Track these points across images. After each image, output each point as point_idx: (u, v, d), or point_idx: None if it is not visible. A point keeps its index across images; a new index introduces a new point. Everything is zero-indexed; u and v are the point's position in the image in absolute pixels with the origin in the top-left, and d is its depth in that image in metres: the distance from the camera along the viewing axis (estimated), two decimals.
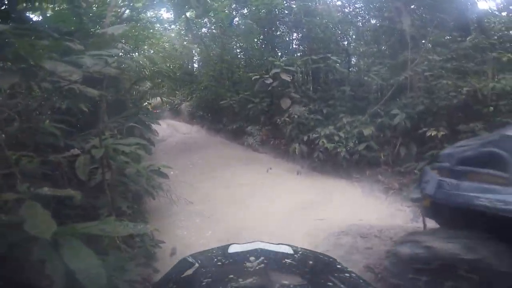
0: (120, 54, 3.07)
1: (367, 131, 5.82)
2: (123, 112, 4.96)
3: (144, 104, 6.73)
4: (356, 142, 5.95)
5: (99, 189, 3.31)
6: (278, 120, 7.05)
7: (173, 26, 10.27)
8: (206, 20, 9.90)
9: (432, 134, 5.31)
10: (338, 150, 5.95)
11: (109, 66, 1.87)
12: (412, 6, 6.60)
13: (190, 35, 10.07)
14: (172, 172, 4.96)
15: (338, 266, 0.92)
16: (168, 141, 8.62)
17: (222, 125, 9.08)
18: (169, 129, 9.89)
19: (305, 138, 6.40)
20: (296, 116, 6.44)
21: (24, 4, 1.97)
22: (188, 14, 9.23)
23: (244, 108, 8.11)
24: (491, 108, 5.16)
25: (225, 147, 8.28)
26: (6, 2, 1.85)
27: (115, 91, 5.09)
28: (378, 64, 6.54)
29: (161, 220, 4.51)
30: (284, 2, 7.99)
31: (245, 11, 8.92)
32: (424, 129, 5.46)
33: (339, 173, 6.16)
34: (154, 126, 5.71)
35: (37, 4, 2.16)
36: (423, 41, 6.34)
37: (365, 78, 6.21)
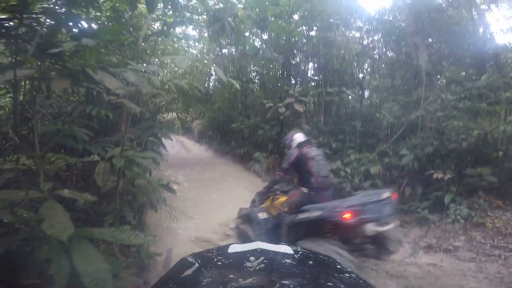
0: (155, 69, 3.23)
1: (373, 170, 5.83)
2: (139, 123, 5.12)
3: (159, 117, 6.88)
4: (362, 179, 5.94)
5: (106, 196, 3.38)
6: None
7: (197, 44, 10.56)
8: (228, 41, 10.20)
9: (439, 177, 5.28)
10: (343, 185, 5.94)
11: (149, 84, 2.00)
12: (430, 40, 6.65)
13: (211, 54, 10.44)
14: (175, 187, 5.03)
15: (338, 266, 0.91)
16: (174, 157, 8.70)
17: (230, 148, 9.15)
18: (177, 145, 10.02)
19: None
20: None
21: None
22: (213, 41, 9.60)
23: (253, 134, 8.18)
24: (501, 152, 5.09)
25: (230, 169, 8.33)
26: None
27: (135, 102, 5.27)
28: (392, 101, 6.54)
29: (159, 233, 4.51)
30: (304, 31, 8.17)
31: (265, 36, 9.15)
32: (431, 171, 5.43)
33: None
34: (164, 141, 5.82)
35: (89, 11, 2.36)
36: (438, 78, 6.33)
37: (377, 114, 6.26)
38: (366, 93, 8.21)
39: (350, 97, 6.86)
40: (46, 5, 2.04)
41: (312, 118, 7.32)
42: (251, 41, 8.14)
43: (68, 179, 3.44)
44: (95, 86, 3.31)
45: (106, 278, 1.50)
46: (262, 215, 3.51)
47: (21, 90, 2.59)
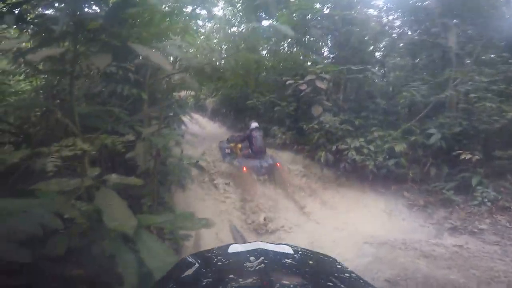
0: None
1: (398, 148, 5.70)
2: (156, 101, 5.00)
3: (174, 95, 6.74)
4: (386, 157, 5.83)
5: (143, 176, 3.33)
6: (305, 126, 6.97)
7: (207, 23, 10.25)
8: (238, 19, 9.84)
9: (466, 158, 5.19)
10: (367, 163, 5.84)
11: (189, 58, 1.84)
12: (456, 21, 6.36)
13: (221, 33, 10.07)
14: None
15: (338, 266, 0.91)
16: (188, 134, 8.63)
17: (244, 124, 9.03)
18: (191, 122, 9.91)
19: (333, 147, 6.30)
20: (327, 125, 6.35)
21: None
22: (221, 12, 9.21)
23: (269, 110, 8.04)
24: None
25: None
26: None
27: (154, 79, 5.13)
28: (417, 80, 6.35)
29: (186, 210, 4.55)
30: (323, 8, 7.86)
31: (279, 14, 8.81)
32: (459, 151, 5.32)
33: (364, 185, 6.10)
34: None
35: None
36: (468, 60, 6.15)
37: (404, 93, 6.03)
38: (388, 73, 7.92)
39: (374, 75, 6.57)
40: None
41: (332, 95, 7.09)
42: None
43: (96, 161, 3.37)
44: (125, 64, 3.14)
45: None
46: (227, 149, 6.51)
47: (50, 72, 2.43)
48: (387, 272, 3.34)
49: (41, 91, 2.84)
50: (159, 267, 1.32)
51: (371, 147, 5.95)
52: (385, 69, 7.54)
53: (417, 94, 5.80)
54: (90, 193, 1.70)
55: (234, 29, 10.52)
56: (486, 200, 4.82)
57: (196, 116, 10.88)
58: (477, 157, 5.11)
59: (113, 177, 1.87)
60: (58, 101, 2.60)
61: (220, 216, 4.61)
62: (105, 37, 1.72)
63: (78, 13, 1.79)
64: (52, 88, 2.59)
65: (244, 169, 5.68)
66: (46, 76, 2.67)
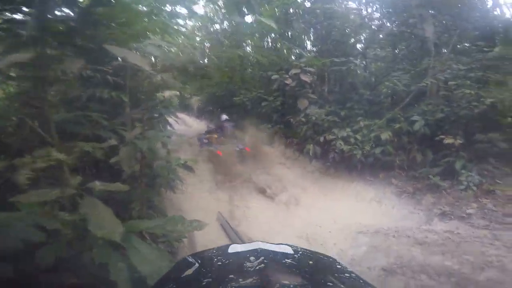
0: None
1: (384, 136, 5.81)
2: (139, 103, 4.88)
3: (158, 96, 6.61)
4: (373, 145, 5.93)
5: (124, 182, 3.24)
6: (292, 119, 7.00)
7: (188, 22, 10.10)
8: (220, 16, 9.74)
9: (449, 142, 5.33)
10: (354, 152, 5.94)
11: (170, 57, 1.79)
12: (433, 12, 6.55)
13: (203, 31, 9.95)
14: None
15: (338, 266, 0.92)
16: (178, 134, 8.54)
17: (232, 121, 9.00)
18: (178, 122, 9.78)
19: (321, 139, 6.37)
20: (313, 118, 6.40)
21: None
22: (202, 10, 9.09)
23: (257, 106, 8.04)
24: (510, 119, 5.21)
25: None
26: None
27: (135, 81, 4.99)
28: (398, 70, 6.50)
29: (178, 213, 4.50)
30: (304, 2, 7.93)
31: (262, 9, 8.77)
32: (442, 136, 5.47)
33: (352, 175, 6.19)
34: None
35: None
36: (444, 50, 6.33)
37: (386, 83, 6.15)
38: (370, 64, 8.04)
39: (356, 67, 6.66)
40: None
41: (317, 88, 7.14)
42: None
43: (80, 168, 3.26)
44: (102, 67, 3.03)
45: None
46: (205, 140, 7.17)
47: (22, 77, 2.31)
48: (383, 260, 3.41)
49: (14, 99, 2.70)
50: (152, 272, 1.32)
51: (358, 137, 6.05)
52: (367, 60, 7.63)
53: (399, 83, 5.92)
54: (74, 202, 1.64)
55: (217, 26, 10.41)
56: (471, 184, 4.94)
57: (182, 115, 10.76)
58: (459, 141, 5.25)
59: (97, 185, 1.81)
60: (34, 109, 2.48)
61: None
62: (78, 40, 1.64)
63: (49, 16, 1.71)
64: (25, 95, 2.47)
65: (219, 153, 6.41)
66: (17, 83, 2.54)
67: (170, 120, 5.85)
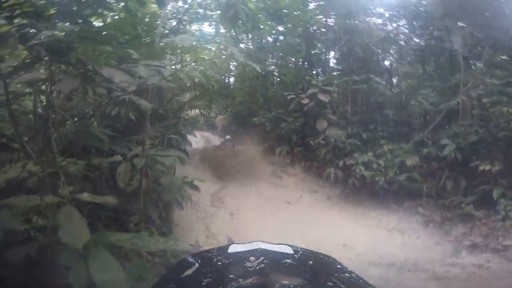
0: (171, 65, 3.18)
1: (410, 161, 5.41)
2: (163, 121, 5.14)
3: (182, 115, 6.93)
4: (397, 172, 5.53)
5: (134, 195, 3.38)
6: (312, 142, 6.83)
7: (213, 41, 10.62)
8: (244, 35, 10.09)
9: (486, 168, 4.82)
10: (376, 178, 5.57)
11: (163, 79, 1.89)
12: (462, 24, 6.14)
13: (229, 50, 10.36)
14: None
15: (338, 266, 0.90)
16: (200, 152, 8.77)
17: (251, 142, 8.99)
18: (202, 141, 10.10)
19: (341, 163, 6.09)
20: (332, 140, 6.18)
21: (90, 10, 2.08)
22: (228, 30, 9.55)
23: (276, 127, 7.95)
24: None
25: (255, 163, 8.20)
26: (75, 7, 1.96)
27: (158, 100, 5.32)
28: (427, 87, 6.08)
29: (185, 230, 4.54)
30: (323, 19, 7.78)
31: (281, 28, 8.71)
32: (477, 162, 4.96)
33: (374, 202, 5.79)
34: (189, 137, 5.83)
35: (99, 11, 2.27)
36: (476, 62, 5.90)
37: (412, 102, 5.79)
38: (395, 81, 7.69)
39: (379, 84, 6.38)
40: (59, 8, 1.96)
41: (338, 108, 6.94)
42: (266, 27, 7.89)
43: (97, 179, 3.49)
44: (111, 85, 3.29)
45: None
46: None
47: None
48: None
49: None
50: (105, 282, 1.37)
51: (381, 162, 5.68)
52: (392, 78, 7.29)
53: (425, 102, 5.53)
54: (57, 209, 1.76)
55: (242, 45, 10.72)
56: (511, 214, 4.41)
57: (207, 134, 11.12)
58: (497, 167, 4.78)
59: (85, 195, 1.92)
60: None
61: None
62: (69, 62, 1.82)
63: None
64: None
65: None
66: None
67: (190, 138, 6.12)
